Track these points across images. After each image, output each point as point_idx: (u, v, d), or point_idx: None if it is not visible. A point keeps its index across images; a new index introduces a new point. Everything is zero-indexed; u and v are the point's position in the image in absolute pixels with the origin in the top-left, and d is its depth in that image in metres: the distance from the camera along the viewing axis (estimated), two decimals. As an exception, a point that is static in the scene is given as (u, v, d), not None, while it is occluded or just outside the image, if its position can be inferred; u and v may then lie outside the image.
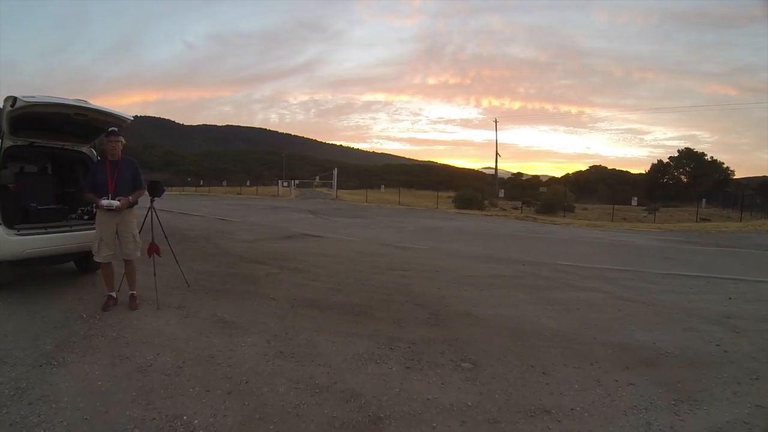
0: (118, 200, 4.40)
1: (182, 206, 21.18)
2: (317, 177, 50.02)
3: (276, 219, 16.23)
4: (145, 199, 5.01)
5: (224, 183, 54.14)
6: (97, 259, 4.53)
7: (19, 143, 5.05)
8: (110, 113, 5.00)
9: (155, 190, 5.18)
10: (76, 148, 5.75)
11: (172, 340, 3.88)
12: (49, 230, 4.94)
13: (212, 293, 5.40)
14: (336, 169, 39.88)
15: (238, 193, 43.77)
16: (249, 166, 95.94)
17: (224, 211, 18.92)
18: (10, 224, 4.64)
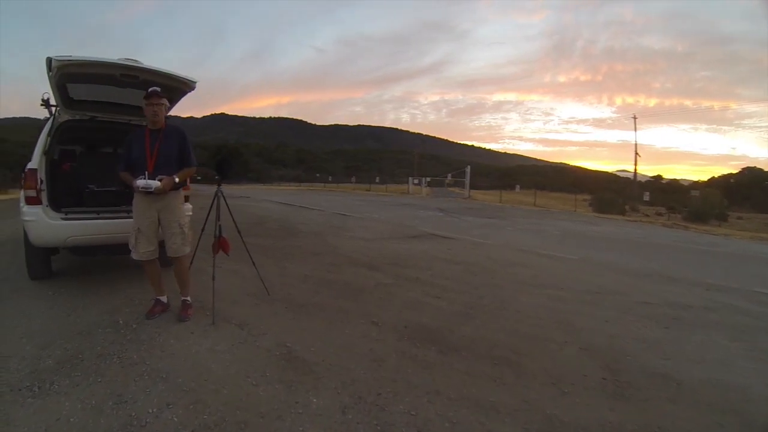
0: (159, 180, 3.54)
1: (305, 200, 21.56)
2: (449, 175, 49.37)
3: (402, 216, 15.17)
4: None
5: (353, 179, 55.66)
6: (134, 256, 3.70)
7: (78, 117, 4.72)
8: (165, 74, 4.15)
9: (224, 170, 4.33)
10: (144, 123, 5.10)
11: (201, 381, 2.75)
12: (102, 215, 4.40)
13: (294, 308, 4.26)
14: (469, 167, 38.34)
15: (367, 190, 44.39)
16: (380, 164, 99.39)
17: (347, 207, 18.52)
18: (56, 207, 4.24)
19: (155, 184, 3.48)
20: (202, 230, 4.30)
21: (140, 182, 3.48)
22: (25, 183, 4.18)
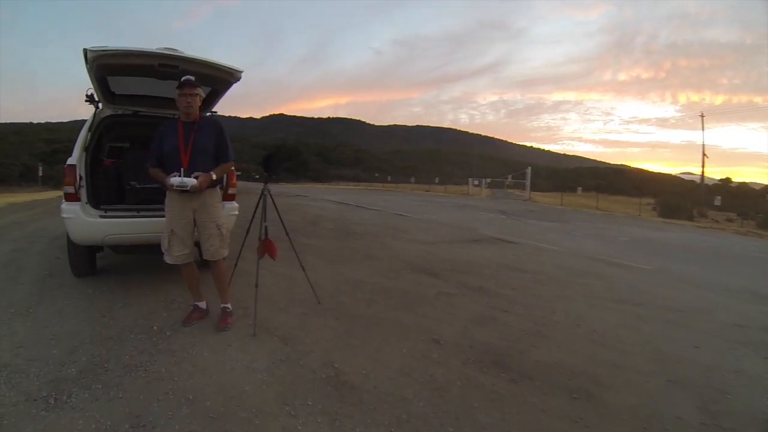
0: (195, 177, 3.23)
1: (363, 200, 21.45)
2: (509, 176, 48.46)
3: (462, 218, 14.65)
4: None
5: (412, 180, 55.62)
6: (168, 260, 3.43)
7: (120, 112, 4.66)
8: (207, 63, 3.78)
9: (272, 166, 3.97)
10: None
11: (232, 407, 2.40)
12: (141, 213, 4.25)
13: (346, 320, 3.87)
14: (529, 168, 37.32)
15: (426, 191, 44.17)
16: (438, 165, 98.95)
17: (406, 207, 18.17)
18: (95, 204, 4.13)
19: (191, 182, 3.18)
20: (247, 231, 4.04)
21: (175, 180, 3.18)
22: (64, 179, 4.06)
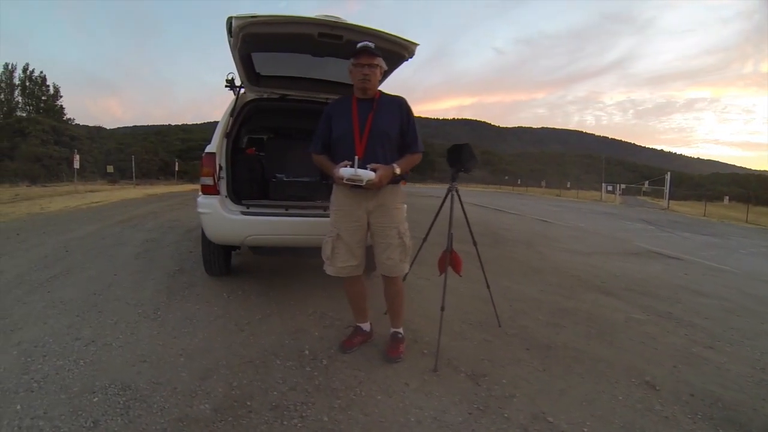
0: (372, 169, 2.50)
1: (498, 203, 20.60)
2: (646, 182, 46.51)
3: (608, 227, 13.41)
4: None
5: (543, 184, 54.64)
6: (329, 270, 2.79)
7: (265, 96, 4.08)
8: (378, 33, 2.97)
9: (462, 160, 3.19)
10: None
11: None
12: (290, 212, 3.66)
13: (537, 351, 3.01)
14: (669, 173, 33.73)
15: (557, 195, 42.31)
16: (565, 168, 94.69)
17: (544, 212, 17.10)
18: (237, 198, 3.66)
19: (368, 175, 2.45)
20: (424, 239, 3.38)
21: (346, 171, 2.46)
22: (201, 169, 3.61)
